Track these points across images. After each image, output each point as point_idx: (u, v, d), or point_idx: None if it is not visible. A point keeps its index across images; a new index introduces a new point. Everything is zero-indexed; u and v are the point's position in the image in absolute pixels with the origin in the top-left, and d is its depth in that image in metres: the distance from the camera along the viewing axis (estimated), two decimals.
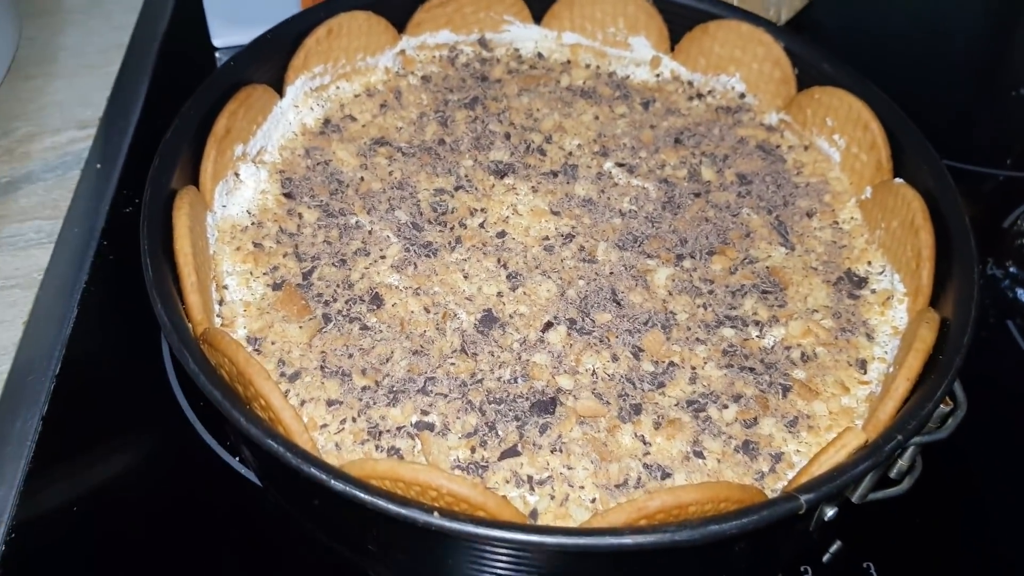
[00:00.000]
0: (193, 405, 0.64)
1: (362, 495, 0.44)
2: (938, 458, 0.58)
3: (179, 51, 0.94)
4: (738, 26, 0.76)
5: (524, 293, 0.63)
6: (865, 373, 0.60)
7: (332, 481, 0.45)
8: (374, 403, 0.56)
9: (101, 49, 0.93)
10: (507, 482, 0.53)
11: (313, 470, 0.45)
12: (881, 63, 0.98)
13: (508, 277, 0.64)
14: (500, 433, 0.55)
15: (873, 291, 0.65)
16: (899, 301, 0.63)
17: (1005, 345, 0.74)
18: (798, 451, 0.56)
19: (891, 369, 0.58)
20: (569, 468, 0.54)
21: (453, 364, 0.58)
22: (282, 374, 0.57)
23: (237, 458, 0.62)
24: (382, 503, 0.44)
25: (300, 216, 0.66)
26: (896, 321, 0.63)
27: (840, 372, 0.60)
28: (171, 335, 0.50)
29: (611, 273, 0.65)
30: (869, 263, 0.67)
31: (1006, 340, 0.74)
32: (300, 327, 0.59)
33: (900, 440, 0.49)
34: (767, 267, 0.66)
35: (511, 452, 0.54)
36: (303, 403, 0.55)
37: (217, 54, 0.94)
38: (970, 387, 0.55)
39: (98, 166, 0.82)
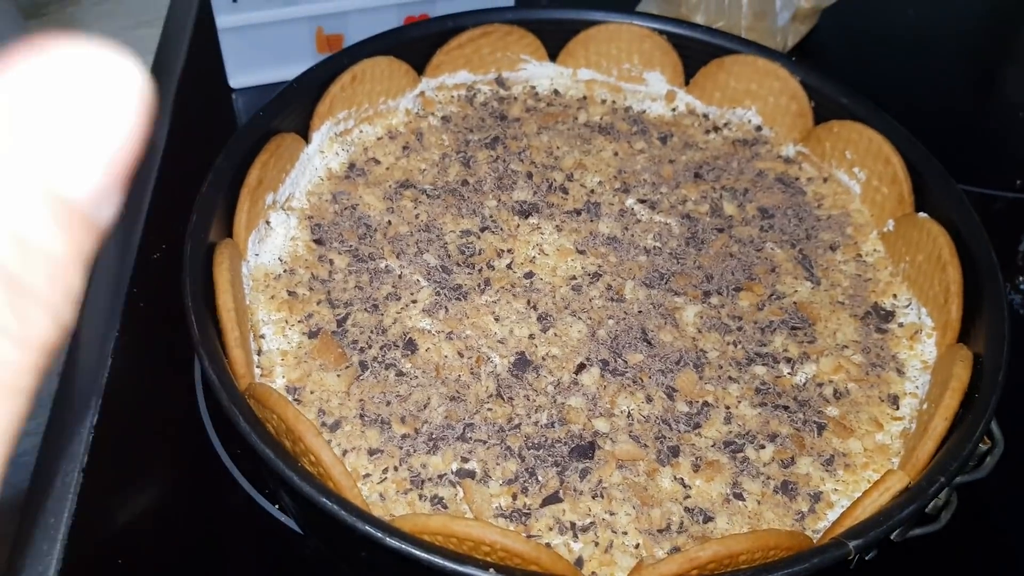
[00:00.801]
0: (231, 453, 0.65)
1: (418, 553, 0.45)
2: (972, 493, 0.58)
3: (196, 93, 0.94)
4: (754, 61, 0.77)
5: (555, 334, 0.64)
6: (898, 409, 0.61)
7: (388, 539, 0.45)
8: (414, 451, 0.56)
9: None
10: (550, 529, 0.53)
11: (368, 528, 0.46)
12: (885, 85, 0.99)
13: (539, 319, 0.64)
14: (540, 479, 0.56)
15: (900, 325, 0.66)
16: (927, 335, 0.64)
17: None
18: (836, 490, 0.57)
19: (924, 405, 0.59)
20: (611, 514, 0.54)
21: (490, 409, 0.59)
22: (323, 424, 0.57)
23: (276, 506, 0.62)
24: (438, 560, 0.44)
25: (331, 262, 0.66)
26: (925, 355, 0.64)
27: (873, 408, 0.61)
28: (220, 393, 0.51)
29: (640, 312, 0.66)
30: (895, 296, 0.68)
31: None
32: (338, 375, 0.59)
33: (943, 482, 0.50)
34: (795, 302, 0.67)
35: (553, 499, 0.54)
36: (345, 453, 0.56)
37: (234, 95, 0.94)
38: (1003, 422, 0.56)
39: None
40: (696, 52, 0.81)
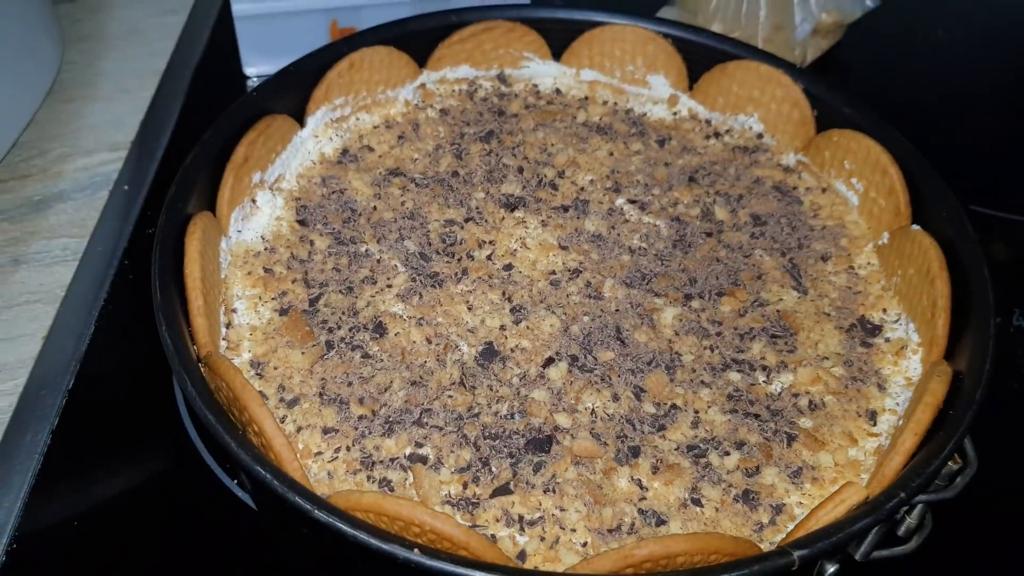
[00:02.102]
0: (197, 427, 0.65)
1: (344, 527, 0.44)
2: (950, 517, 0.56)
3: (212, 78, 0.96)
4: (757, 67, 0.76)
5: (527, 327, 0.63)
6: (875, 425, 0.59)
7: (316, 511, 0.45)
8: (369, 433, 0.56)
9: (138, 74, 0.95)
10: (497, 520, 0.52)
11: (298, 499, 0.45)
12: (909, 104, 0.97)
13: (512, 310, 0.64)
14: (494, 469, 0.55)
15: (887, 340, 0.64)
16: (913, 351, 0.62)
17: None
18: (801, 503, 0.55)
19: (901, 422, 0.57)
20: (562, 510, 0.53)
21: (451, 396, 0.58)
22: (281, 399, 0.57)
23: (235, 481, 0.62)
24: (363, 536, 0.44)
25: (312, 243, 0.67)
26: (910, 372, 0.61)
27: (849, 423, 0.59)
28: (172, 357, 0.51)
29: (617, 310, 0.64)
30: (884, 311, 0.65)
31: None
32: (303, 353, 0.59)
33: (903, 498, 0.48)
34: (778, 311, 0.65)
35: (503, 490, 0.53)
36: (299, 429, 0.55)
37: (248, 82, 0.95)
38: (985, 444, 0.54)
39: (126, 187, 0.84)
40: (701, 57, 0.79)
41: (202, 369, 0.53)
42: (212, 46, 1.00)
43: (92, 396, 0.67)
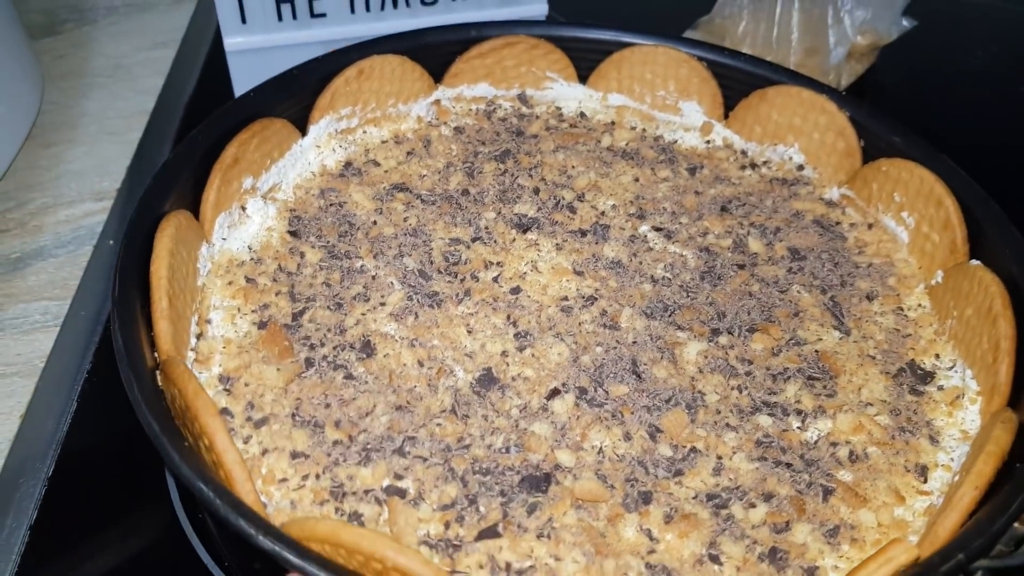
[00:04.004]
0: (191, 516, 0.58)
1: (290, 557, 0.37)
2: None
3: (205, 114, 0.90)
4: (799, 92, 0.70)
5: (532, 355, 0.56)
6: (925, 482, 0.51)
7: (260, 537, 0.38)
8: (344, 460, 0.49)
9: (124, 115, 0.88)
10: (481, 567, 0.45)
11: (241, 522, 0.38)
12: (949, 130, 0.90)
13: (516, 336, 0.57)
14: (481, 509, 0.47)
15: (940, 388, 0.56)
16: (971, 401, 0.54)
17: None
18: (836, 567, 0.47)
19: (955, 477, 0.49)
20: (556, 559, 0.45)
21: (440, 425, 0.51)
22: (249, 418, 0.51)
23: (224, 566, 0.55)
24: (311, 569, 0.37)
25: (302, 255, 0.61)
26: (966, 424, 0.53)
27: (895, 478, 0.51)
28: (121, 358, 0.45)
29: (634, 342, 0.58)
30: (937, 356, 0.58)
31: None
32: (278, 369, 0.53)
33: (961, 560, 0.40)
34: (816, 351, 0.58)
35: (491, 532, 0.46)
36: (265, 452, 0.49)
37: None
38: None
39: (111, 242, 0.76)
40: (737, 82, 0.74)
41: (158, 377, 0.47)
42: (204, 83, 0.94)
43: (74, 483, 0.60)
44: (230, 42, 0.83)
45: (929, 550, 0.42)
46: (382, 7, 0.85)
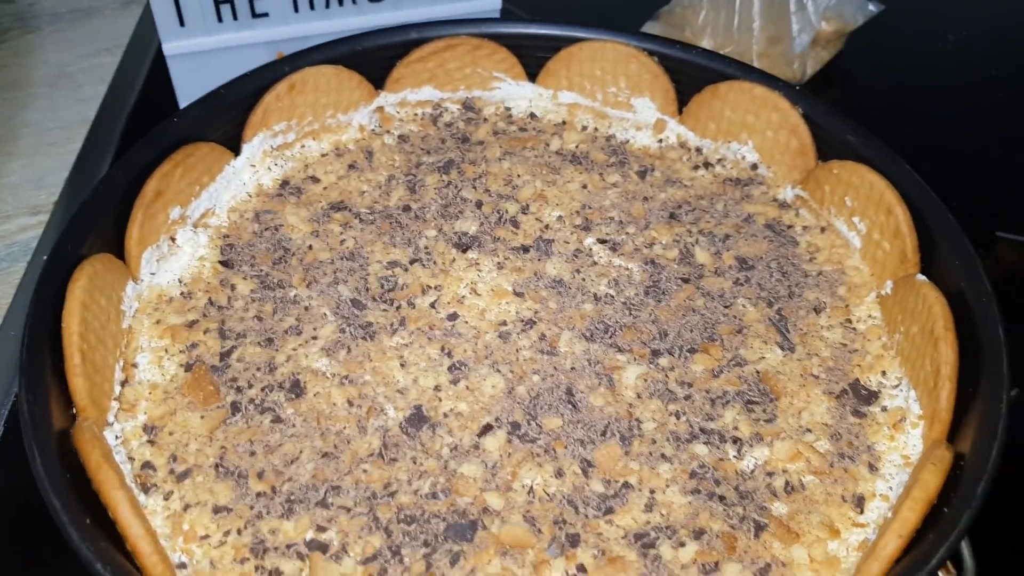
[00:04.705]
0: None
1: None
2: None
3: (147, 127, 0.83)
4: (751, 88, 0.67)
5: (467, 387, 0.55)
6: (862, 513, 0.50)
7: None
8: (267, 513, 0.48)
9: (65, 125, 0.86)
10: None
11: None
12: (919, 119, 0.86)
13: (451, 368, 0.56)
14: (405, 560, 0.47)
15: (884, 409, 0.54)
16: (913, 425, 0.53)
17: None
18: None
19: (890, 515, 0.47)
20: None
21: (365, 471, 0.50)
22: (171, 471, 0.50)
23: None
24: None
25: (233, 287, 0.60)
26: (908, 449, 0.52)
27: (831, 510, 0.50)
28: (26, 428, 0.44)
29: (572, 368, 0.56)
30: (884, 373, 0.56)
31: None
32: (202, 417, 0.52)
33: None
34: (757, 371, 0.56)
35: None
36: (187, 507, 0.48)
37: None
38: (988, 546, 0.44)
39: (44, 258, 0.74)
40: (690, 77, 0.71)
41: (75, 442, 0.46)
42: (147, 90, 0.90)
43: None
44: (169, 46, 0.80)
45: None
46: (327, 5, 0.81)
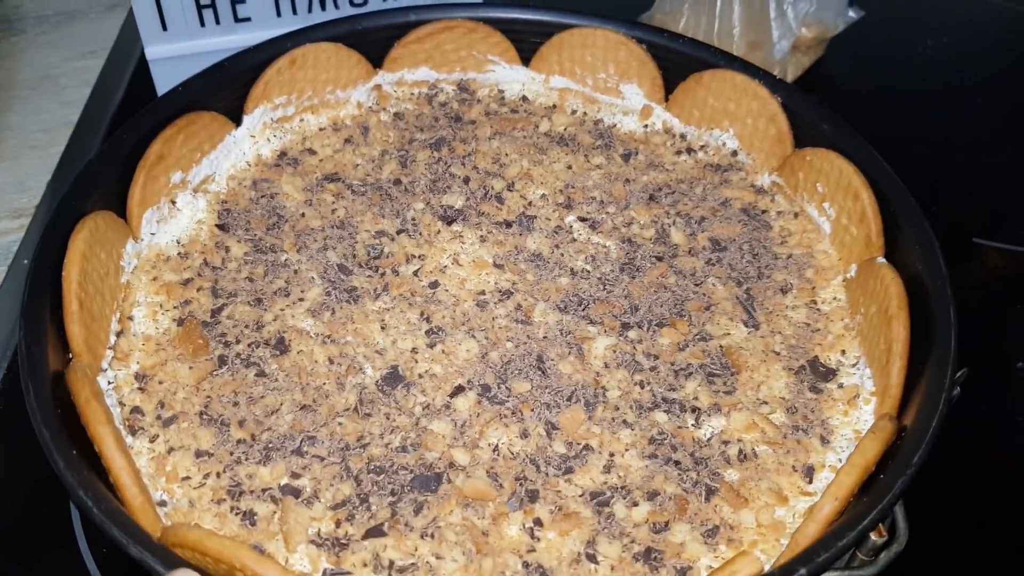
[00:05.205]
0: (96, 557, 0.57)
1: (156, 567, 0.40)
2: None
3: None
4: (732, 76, 0.69)
5: (442, 351, 0.58)
6: (811, 483, 0.52)
7: (131, 546, 0.41)
8: (245, 459, 0.52)
9: (47, 128, 0.86)
10: (365, 565, 0.47)
11: (115, 531, 0.41)
12: (900, 122, 0.88)
13: (428, 332, 0.59)
14: (372, 507, 0.50)
15: (840, 386, 0.57)
16: (865, 401, 0.55)
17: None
18: (711, 566, 0.48)
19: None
20: (438, 557, 0.48)
21: (341, 424, 0.53)
22: (159, 417, 0.53)
23: None
24: None
25: (227, 249, 0.63)
26: (860, 424, 0.54)
27: (781, 478, 0.52)
28: (23, 366, 0.48)
29: (544, 337, 0.59)
30: (843, 352, 0.58)
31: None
32: (190, 368, 0.55)
33: (803, 574, 0.41)
34: (721, 346, 0.59)
35: (376, 531, 0.49)
36: (171, 451, 0.52)
37: None
38: (925, 515, 0.47)
39: (25, 262, 0.74)
40: (677, 65, 0.73)
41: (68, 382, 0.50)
42: (131, 93, 0.90)
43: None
44: (152, 50, 0.82)
45: (781, 561, 0.43)
46: (309, 9, 0.83)
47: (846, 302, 0.61)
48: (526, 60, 0.77)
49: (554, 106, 0.76)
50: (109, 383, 0.54)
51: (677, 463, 0.53)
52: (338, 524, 0.49)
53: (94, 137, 0.85)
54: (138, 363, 0.56)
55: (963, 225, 0.78)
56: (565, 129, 0.74)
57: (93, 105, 0.89)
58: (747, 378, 0.57)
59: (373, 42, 0.74)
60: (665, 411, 0.55)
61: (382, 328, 0.59)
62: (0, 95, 0.89)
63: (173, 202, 0.64)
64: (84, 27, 0.98)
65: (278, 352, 0.57)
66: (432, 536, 0.49)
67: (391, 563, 0.47)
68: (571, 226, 0.67)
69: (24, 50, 0.94)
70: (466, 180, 0.69)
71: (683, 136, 0.74)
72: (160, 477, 0.50)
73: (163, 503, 0.49)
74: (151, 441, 0.52)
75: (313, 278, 0.62)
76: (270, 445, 0.52)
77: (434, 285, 0.62)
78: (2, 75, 0.92)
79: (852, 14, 0.86)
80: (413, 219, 0.66)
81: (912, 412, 0.49)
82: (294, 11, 0.83)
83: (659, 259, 0.64)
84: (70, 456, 0.44)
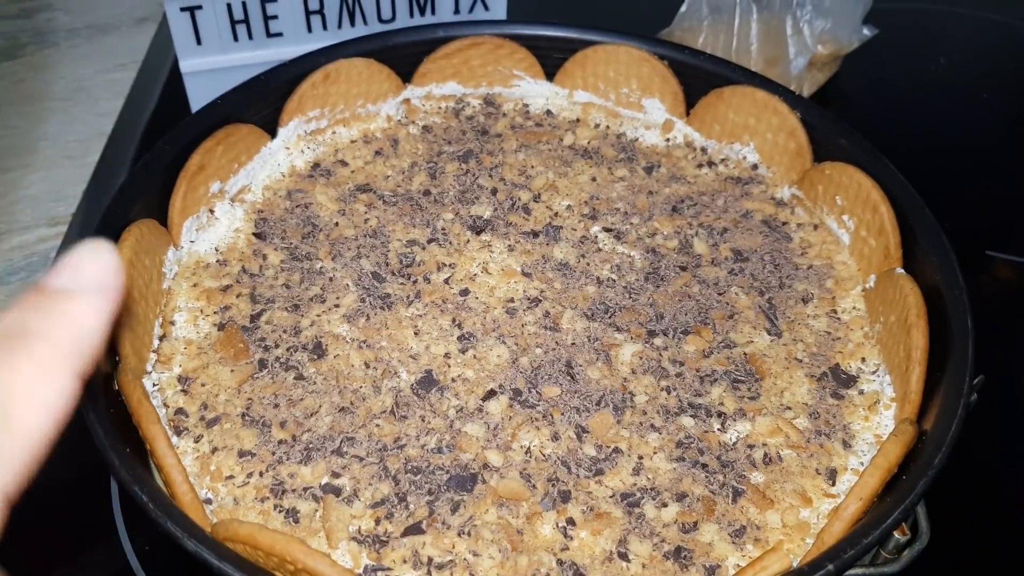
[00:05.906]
0: (140, 555, 0.59)
1: (210, 559, 0.42)
2: None
3: (163, 135, 0.87)
4: (752, 93, 0.72)
5: (474, 356, 0.60)
6: (833, 485, 0.54)
7: (186, 540, 0.42)
8: (287, 459, 0.53)
9: (82, 138, 0.87)
10: (404, 562, 0.49)
11: (170, 524, 0.43)
12: (913, 138, 0.90)
13: (460, 338, 0.61)
14: (410, 506, 0.52)
15: (861, 392, 0.58)
16: (886, 407, 0.56)
17: None
18: (739, 565, 0.50)
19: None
20: (475, 554, 0.49)
21: (378, 426, 0.55)
22: (202, 418, 0.55)
23: None
24: (228, 569, 0.41)
25: (265, 257, 0.65)
26: (881, 428, 0.56)
27: (805, 480, 0.54)
28: None
29: (572, 344, 0.61)
30: (863, 360, 0.60)
31: None
32: (232, 371, 0.57)
33: (830, 570, 0.43)
34: (745, 353, 0.60)
35: (415, 529, 0.50)
36: (215, 451, 0.53)
37: None
38: (946, 515, 0.48)
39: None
40: (698, 81, 0.75)
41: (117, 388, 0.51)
42: (163, 104, 0.92)
43: (22, 521, 0.61)
44: (186, 64, 0.84)
45: (809, 558, 0.45)
46: (339, 25, 0.86)
47: (865, 311, 0.63)
48: (550, 75, 0.79)
49: (578, 120, 0.78)
50: (154, 385, 0.56)
51: (704, 466, 0.54)
52: (378, 522, 0.51)
53: (128, 147, 0.87)
54: (180, 366, 0.58)
55: (976, 238, 0.80)
56: (588, 142, 0.76)
57: (126, 116, 0.91)
58: (771, 384, 0.59)
59: (403, 57, 0.76)
60: (691, 416, 0.57)
61: (415, 334, 0.61)
62: (35, 106, 0.91)
63: (212, 211, 0.66)
64: (115, 40, 1.00)
65: (316, 356, 0.59)
66: (469, 534, 0.50)
67: (430, 559, 0.49)
68: (596, 236, 0.69)
69: (58, 63, 0.96)
70: (493, 191, 0.71)
71: (704, 150, 0.76)
72: (205, 476, 0.52)
73: (208, 501, 0.51)
74: (195, 441, 0.54)
75: (348, 285, 0.63)
76: (310, 445, 0.54)
77: (464, 293, 0.64)
78: (37, 87, 0.94)
79: (866, 32, 0.88)
80: (443, 229, 0.68)
81: (932, 416, 0.51)
82: (324, 27, 0.85)
83: (683, 269, 0.66)
84: (124, 454, 0.46)
